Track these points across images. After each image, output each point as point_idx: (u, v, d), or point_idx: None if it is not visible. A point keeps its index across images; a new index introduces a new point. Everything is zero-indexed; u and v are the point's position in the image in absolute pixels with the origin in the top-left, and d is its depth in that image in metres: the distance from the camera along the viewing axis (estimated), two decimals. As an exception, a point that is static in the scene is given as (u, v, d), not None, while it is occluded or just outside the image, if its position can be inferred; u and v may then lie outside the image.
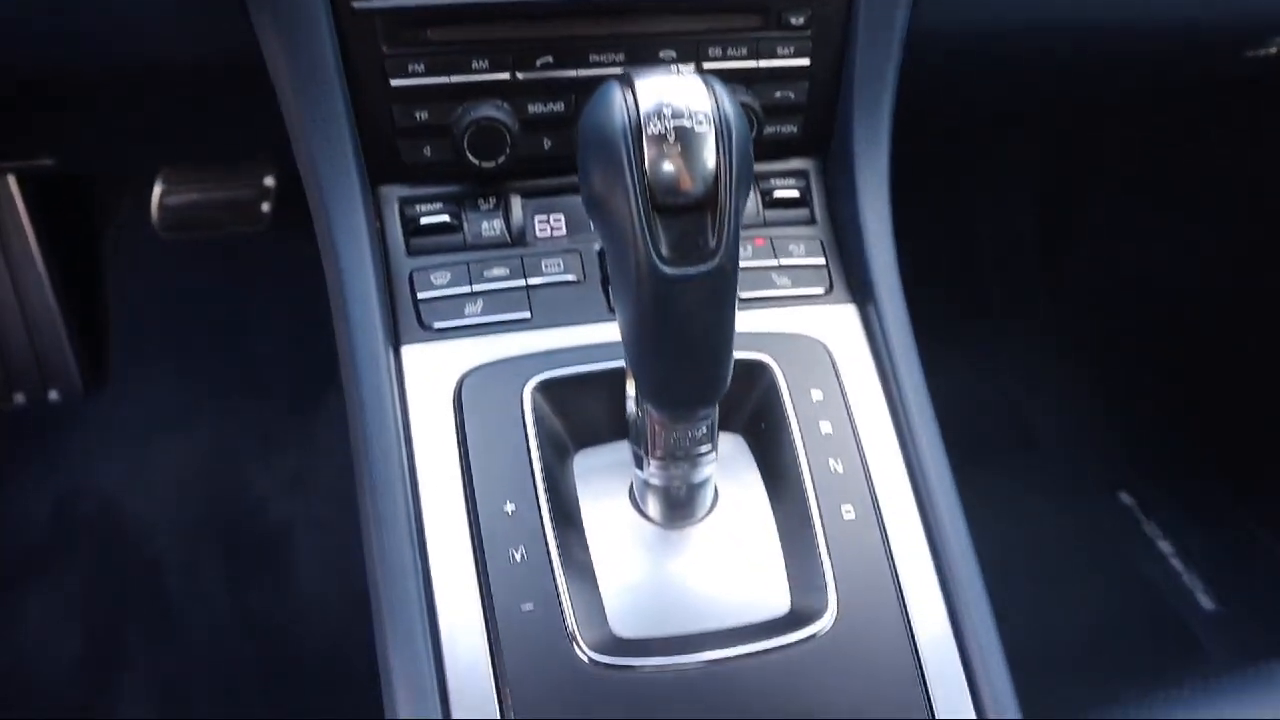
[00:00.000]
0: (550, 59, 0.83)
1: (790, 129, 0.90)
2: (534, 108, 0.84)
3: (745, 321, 0.81)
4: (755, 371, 0.80)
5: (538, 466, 0.74)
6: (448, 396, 0.78)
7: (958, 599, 0.74)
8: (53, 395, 1.85)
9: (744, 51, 0.85)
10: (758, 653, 0.69)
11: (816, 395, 0.79)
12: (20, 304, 1.81)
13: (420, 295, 0.83)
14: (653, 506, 0.74)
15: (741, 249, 0.86)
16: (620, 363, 0.69)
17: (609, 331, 0.81)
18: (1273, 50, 1.22)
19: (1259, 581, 1.77)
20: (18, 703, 1.57)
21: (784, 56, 0.87)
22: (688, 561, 0.74)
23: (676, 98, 0.57)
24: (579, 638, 0.68)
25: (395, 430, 0.76)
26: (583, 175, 0.60)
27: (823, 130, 0.91)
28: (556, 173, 0.88)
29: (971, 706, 0.71)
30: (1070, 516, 1.82)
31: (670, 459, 0.69)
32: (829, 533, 0.73)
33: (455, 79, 0.82)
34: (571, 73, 0.83)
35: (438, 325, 0.81)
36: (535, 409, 0.76)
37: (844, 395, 0.80)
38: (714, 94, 0.57)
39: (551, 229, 0.88)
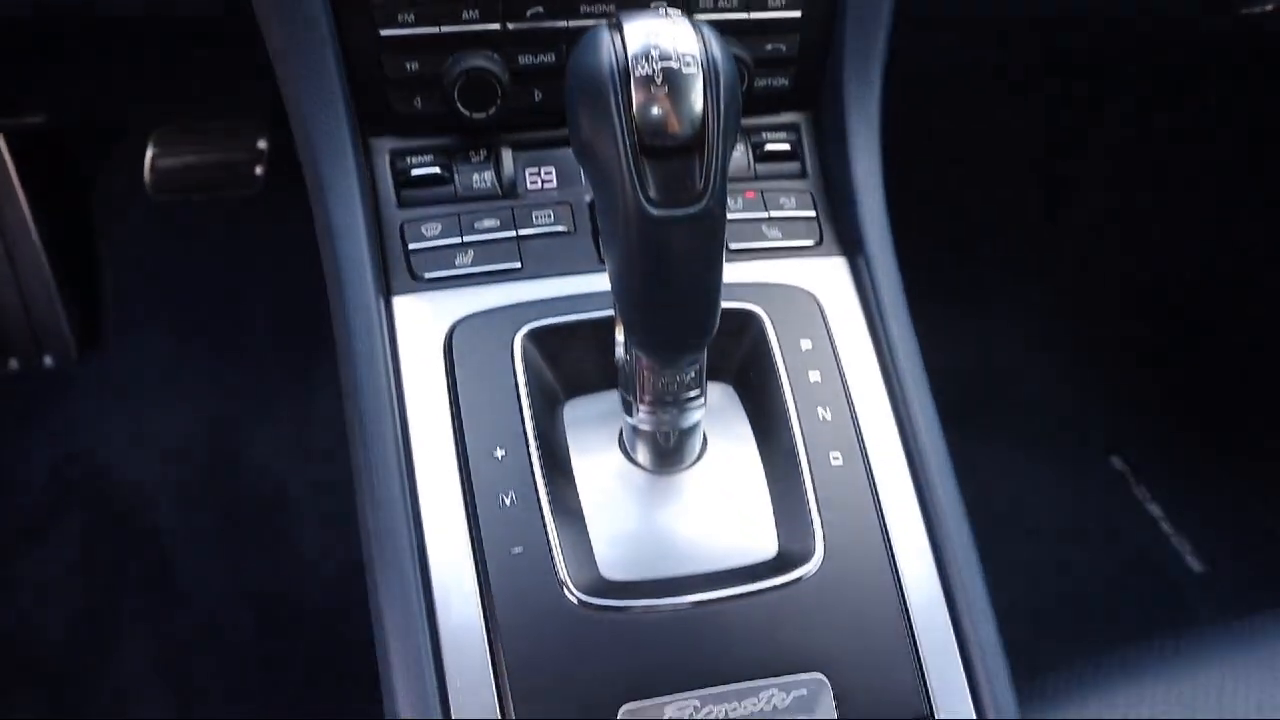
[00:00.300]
0: (540, 9, 0.83)
1: (781, 82, 0.90)
2: (524, 59, 0.84)
3: (735, 272, 0.81)
4: (745, 321, 0.80)
5: (527, 413, 0.74)
6: (438, 345, 0.78)
7: (944, 543, 0.75)
8: (47, 360, 1.85)
9: (735, 2, 0.85)
10: (745, 594, 0.70)
11: (805, 345, 0.80)
12: (13, 269, 1.81)
13: (411, 246, 0.83)
14: (642, 453, 0.74)
15: (732, 201, 0.88)
16: (610, 312, 0.69)
17: (599, 282, 0.81)
18: (1269, 7, 1.21)
19: (1246, 544, 1.78)
20: (15, 667, 1.59)
21: (775, 8, 0.86)
22: (676, 506, 0.74)
23: (664, 40, 0.57)
24: (568, 580, 0.69)
25: (386, 378, 0.76)
26: (570, 119, 0.61)
27: (814, 83, 0.91)
28: (547, 125, 0.88)
29: (957, 649, 0.72)
30: (1060, 480, 1.83)
31: (659, 404, 0.69)
32: (816, 479, 0.74)
33: (445, 29, 0.82)
34: (562, 23, 0.83)
35: (428, 275, 0.82)
36: (525, 357, 0.77)
37: (833, 345, 0.81)
38: (702, 37, 0.57)
39: (542, 181, 0.88)
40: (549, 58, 0.84)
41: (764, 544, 0.74)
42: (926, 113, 1.67)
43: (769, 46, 0.88)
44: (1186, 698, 0.97)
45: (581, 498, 0.74)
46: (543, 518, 0.71)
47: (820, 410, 0.77)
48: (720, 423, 0.79)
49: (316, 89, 0.82)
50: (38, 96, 1.21)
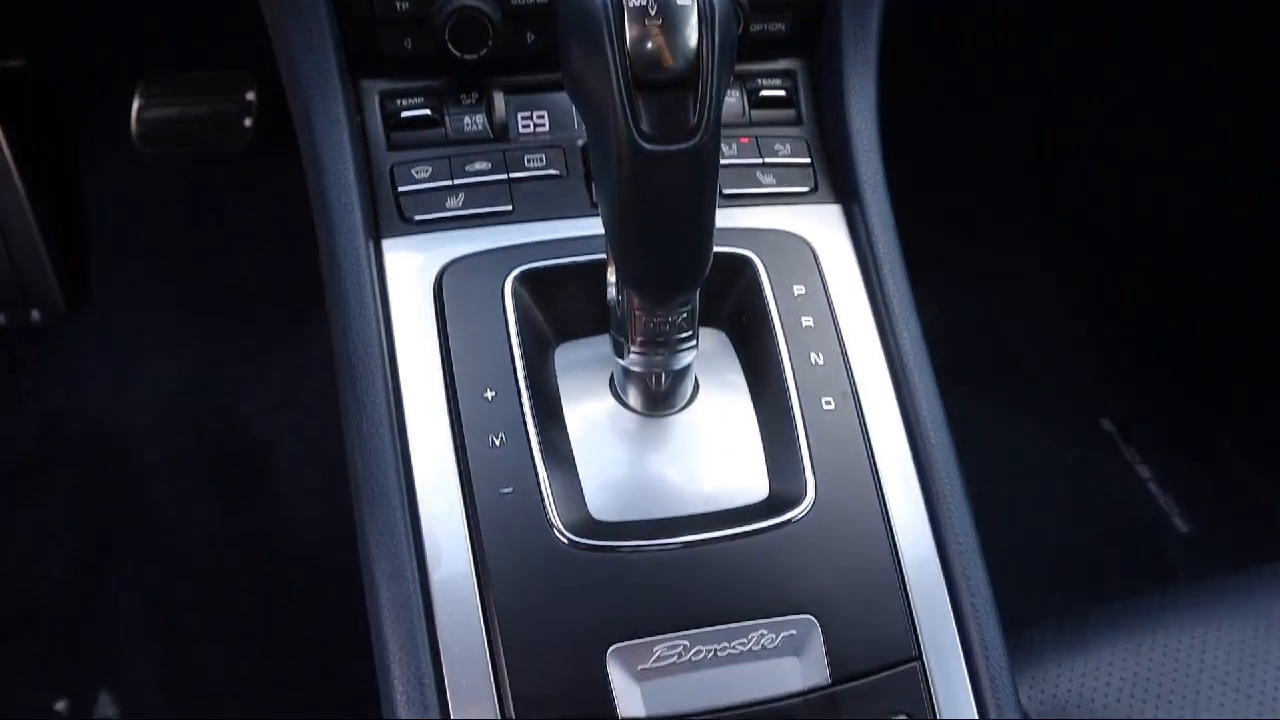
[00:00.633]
0: None
1: (778, 26, 0.89)
2: None
3: (728, 218, 0.81)
4: (738, 266, 0.80)
5: (518, 355, 0.74)
6: (428, 288, 0.77)
7: (934, 487, 0.75)
8: (35, 315, 1.83)
9: None
10: (735, 536, 0.70)
11: (799, 290, 0.79)
12: (-1, 223, 1.79)
13: (401, 188, 0.82)
14: (633, 396, 0.74)
15: (726, 147, 0.87)
16: (602, 256, 0.69)
17: (591, 226, 0.81)
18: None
19: (1232, 507, 1.80)
20: (5, 617, 1.59)
21: None
22: (668, 449, 0.74)
23: None
24: (557, 520, 0.69)
25: (375, 320, 0.76)
26: (562, 52, 0.60)
27: (811, 30, 0.90)
28: (540, 69, 0.87)
29: (946, 592, 0.72)
30: (1051, 441, 1.84)
31: (650, 346, 0.69)
32: (808, 423, 0.74)
33: None
34: None
35: (418, 218, 0.81)
36: (516, 300, 0.76)
37: (826, 291, 0.80)
38: None
39: (534, 125, 0.87)
40: None
41: (755, 487, 0.74)
42: (923, 69, 1.66)
43: None
44: (1171, 651, 0.99)
45: (572, 440, 0.74)
46: (532, 458, 0.70)
47: (813, 355, 0.77)
48: (712, 369, 0.79)
49: (305, 28, 0.81)
50: (16, 36, 1.19)
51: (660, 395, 0.74)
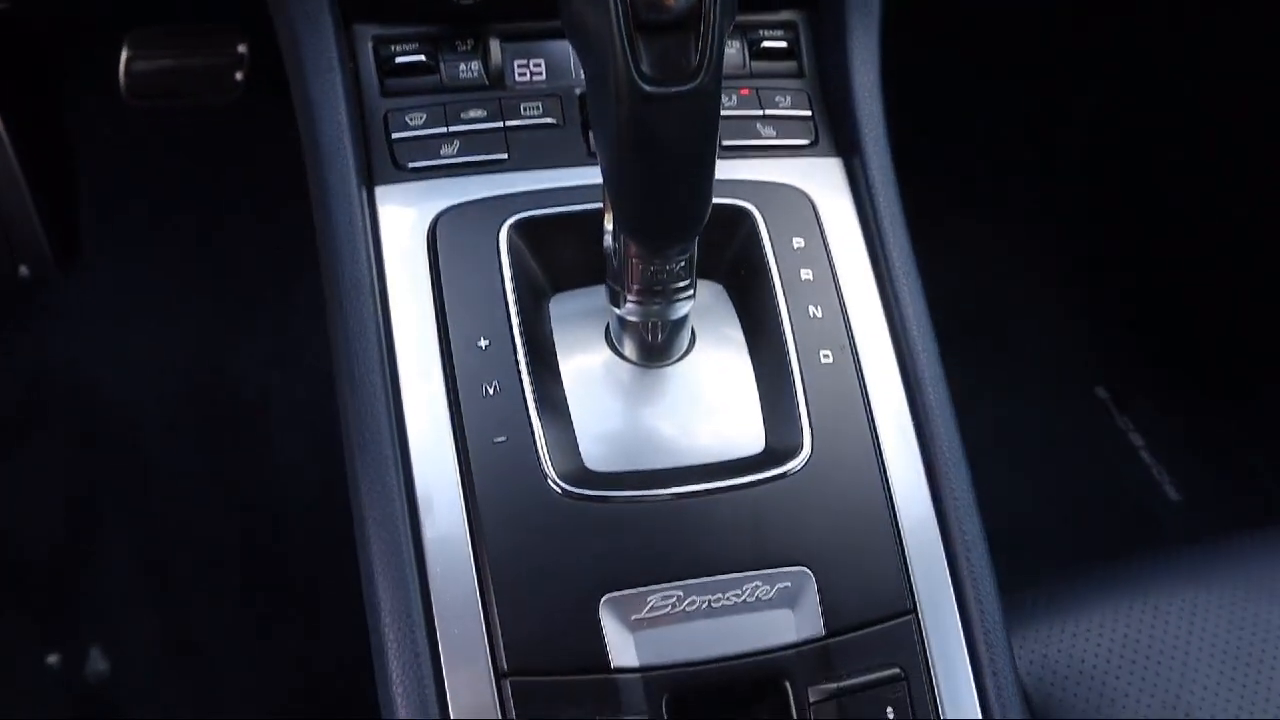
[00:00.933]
0: None
1: None
2: None
3: (728, 169, 0.80)
4: (737, 217, 0.79)
5: (512, 303, 0.73)
6: (422, 235, 0.76)
7: (932, 441, 0.74)
8: (23, 271, 1.81)
9: None
10: (731, 488, 0.69)
11: (798, 243, 0.78)
12: (-16, 175, 1.76)
13: (394, 135, 0.81)
14: (629, 346, 0.73)
15: (726, 98, 0.86)
16: (599, 205, 0.68)
17: (588, 175, 0.79)
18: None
19: (1223, 474, 1.81)
20: (-3, 575, 1.59)
21: None
22: (663, 400, 0.74)
23: None
24: (551, 470, 0.68)
25: (367, 267, 0.75)
26: None
27: None
28: (538, 15, 0.85)
29: (942, 546, 0.72)
30: (1045, 408, 1.84)
31: (647, 295, 0.68)
32: (806, 376, 0.73)
33: None
34: None
35: (412, 165, 0.80)
36: (511, 248, 0.75)
37: (825, 244, 0.80)
38: None
39: (531, 74, 0.85)
40: None
41: (751, 439, 0.73)
42: (920, 33, 1.64)
43: None
44: (1161, 614, 0.99)
45: (566, 390, 0.73)
46: (526, 407, 0.70)
47: (811, 308, 0.76)
48: (709, 322, 0.78)
49: (296, -32, 0.79)
50: None
51: (656, 346, 0.73)
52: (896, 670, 0.69)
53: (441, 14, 0.84)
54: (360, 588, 0.70)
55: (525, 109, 0.83)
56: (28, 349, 1.76)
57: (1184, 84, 1.86)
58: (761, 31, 0.89)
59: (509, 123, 0.82)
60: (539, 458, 0.68)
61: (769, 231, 0.78)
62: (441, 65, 0.84)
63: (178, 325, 1.76)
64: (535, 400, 0.70)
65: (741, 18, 0.88)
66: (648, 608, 0.66)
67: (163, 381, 1.71)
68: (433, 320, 0.73)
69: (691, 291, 0.69)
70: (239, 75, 1.63)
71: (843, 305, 0.77)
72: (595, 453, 0.71)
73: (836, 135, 0.86)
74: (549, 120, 0.82)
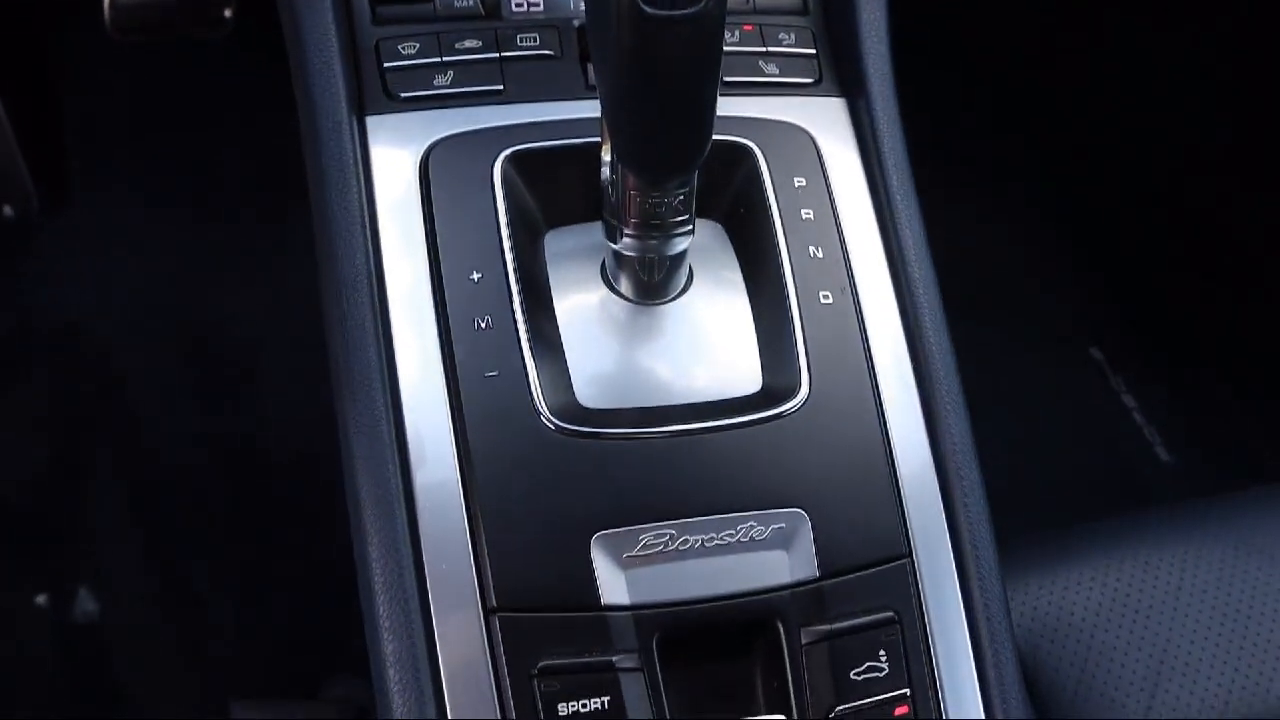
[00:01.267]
0: None
1: None
2: None
3: (729, 106, 0.77)
4: (737, 155, 0.77)
5: (506, 237, 0.71)
6: (414, 166, 0.74)
7: (931, 384, 0.73)
8: (7, 211, 1.78)
9: None
10: (727, 427, 0.68)
11: (799, 182, 0.77)
12: (-37, 113, 1.72)
13: (386, 64, 0.78)
14: (625, 283, 0.72)
15: (729, 33, 0.83)
16: (597, 139, 0.66)
17: (585, 108, 0.77)
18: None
19: (1215, 437, 1.81)
20: (-15, 515, 1.58)
21: None
22: (659, 338, 0.72)
23: None
24: (543, 405, 0.67)
25: (358, 198, 0.73)
26: None
27: None
28: None
29: (939, 490, 0.71)
30: (1039, 368, 1.84)
31: (645, 229, 0.66)
32: (805, 316, 0.72)
33: None
34: None
35: (404, 95, 0.77)
36: (506, 181, 0.73)
37: (827, 184, 0.78)
38: None
39: (528, 4, 0.83)
40: None
41: (748, 379, 0.72)
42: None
43: None
44: (1152, 568, 0.99)
45: (560, 326, 0.72)
46: (519, 342, 0.68)
47: (811, 248, 0.75)
48: (707, 261, 0.76)
49: (285, -111, 0.77)
50: None
51: (653, 284, 0.71)
52: (890, 614, 0.68)
53: None
54: (349, 523, 0.69)
55: (522, 40, 0.80)
56: (13, 290, 1.74)
57: (1193, 51, 1.84)
58: None
59: (505, 53, 0.79)
60: (531, 393, 0.67)
61: (770, 170, 0.76)
62: None
63: (166, 265, 1.73)
64: (528, 335, 0.69)
65: None
66: (640, 546, 0.65)
67: (150, 322, 1.70)
68: (424, 252, 0.72)
69: (690, 226, 0.68)
70: (228, 12, 1.59)
71: (844, 246, 0.76)
72: (589, 390, 0.70)
73: (841, 74, 0.84)
74: (546, 52, 0.80)
